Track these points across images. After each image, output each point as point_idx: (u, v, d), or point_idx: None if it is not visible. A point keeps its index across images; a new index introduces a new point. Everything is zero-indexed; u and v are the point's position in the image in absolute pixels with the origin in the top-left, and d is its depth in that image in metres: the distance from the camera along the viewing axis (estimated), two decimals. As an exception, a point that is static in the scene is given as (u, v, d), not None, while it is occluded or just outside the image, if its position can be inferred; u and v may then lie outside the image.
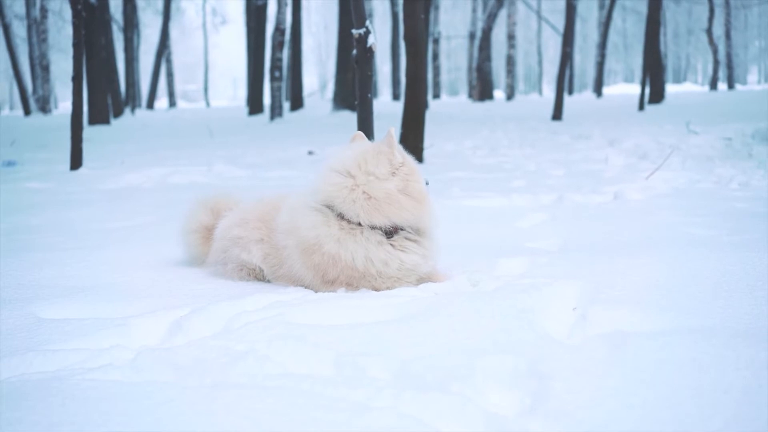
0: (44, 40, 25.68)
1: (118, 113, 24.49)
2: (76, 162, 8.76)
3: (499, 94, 38.83)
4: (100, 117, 19.40)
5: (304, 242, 2.95)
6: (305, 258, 2.96)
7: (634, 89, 35.44)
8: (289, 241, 3.02)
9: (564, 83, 18.28)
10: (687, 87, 46.03)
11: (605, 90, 38.92)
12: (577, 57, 52.77)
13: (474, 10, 33.27)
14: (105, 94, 20.39)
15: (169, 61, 36.70)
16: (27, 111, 24.92)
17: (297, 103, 24.48)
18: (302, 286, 3.03)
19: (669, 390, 1.74)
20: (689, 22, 51.59)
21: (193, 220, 3.65)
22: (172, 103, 38.34)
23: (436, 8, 30.23)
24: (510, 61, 31.99)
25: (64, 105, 44.57)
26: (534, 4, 40.47)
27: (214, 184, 7.32)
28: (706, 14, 33.21)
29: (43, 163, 10.01)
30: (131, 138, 15.31)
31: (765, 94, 22.74)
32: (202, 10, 46.54)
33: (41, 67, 25.72)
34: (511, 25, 31.04)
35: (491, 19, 29.61)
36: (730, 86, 35.31)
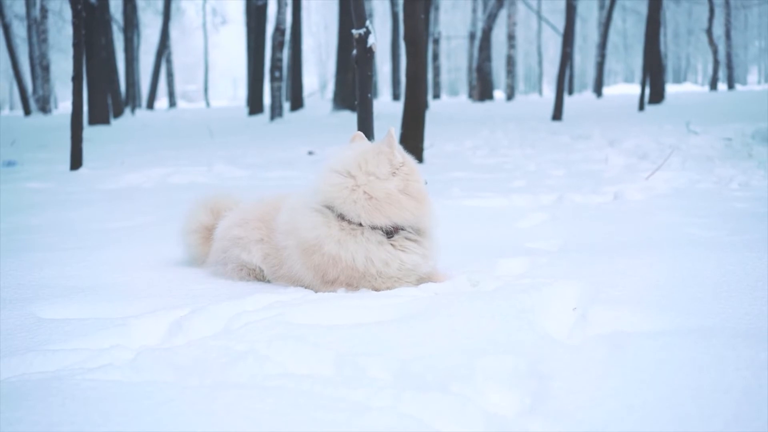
0: (44, 40, 25.69)
1: (118, 113, 24.50)
2: (76, 162, 8.77)
3: (499, 94, 38.83)
4: (100, 117, 19.41)
5: (304, 243, 2.95)
6: (305, 258, 2.96)
7: (634, 89, 35.45)
8: (289, 242, 3.02)
9: (564, 83, 18.28)
10: (687, 87, 46.02)
11: (605, 90, 38.93)
12: (577, 57, 52.79)
13: (474, 11, 33.28)
14: (105, 94, 20.39)
15: (169, 61, 36.70)
16: (27, 111, 24.93)
17: (297, 103, 24.48)
18: (302, 286, 3.03)
19: (669, 390, 1.74)
20: (689, 22, 51.60)
21: (193, 220, 3.65)
22: (172, 103, 38.34)
23: (436, 8, 30.23)
24: (510, 62, 31.99)
25: (64, 105, 44.58)
26: (534, 4, 40.48)
27: (214, 184, 7.32)
28: (706, 14, 33.23)
29: (43, 163, 10.01)
30: (131, 138, 15.31)
31: (765, 95, 22.74)
32: (202, 10, 46.55)
33: (41, 67, 25.72)
34: (511, 25, 31.04)
35: (491, 19, 29.61)
36: (730, 86, 35.32)
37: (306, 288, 3.01)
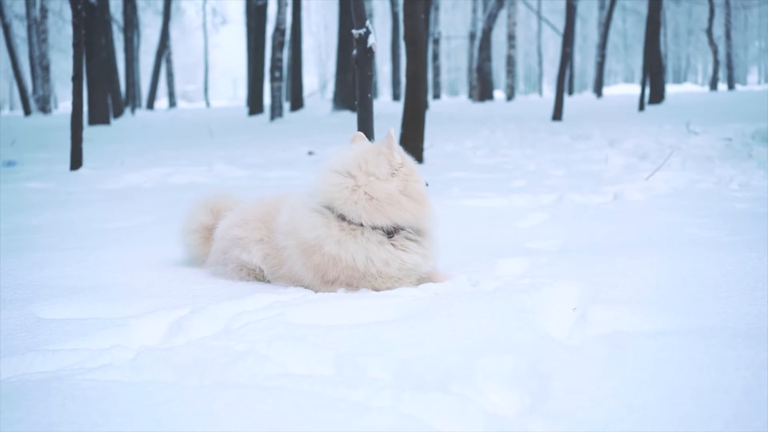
0: (44, 40, 25.68)
1: (118, 113, 24.50)
2: (76, 162, 8.77)
3: (499, 94, 38.83)
4: (100, 117, 19.40)
5: (305, 243, 2.95)
6: (305, 258, 2.96)
7: (634, 89, 35.44)
8: (290, 242, 3.03)
9: (564, 83, 18.27)
10: (687, 87, 46.00)
11: (605, 90, 38.92)
12: (577, 57, 52.78)
13: (474, 11, 33.27)
14: (105, 94, 20.39)
15: (169, 62, 36.70)
16: (27, 111, 24.93)
17: (297, 103, 24.48)
18: (302, 286, 3.03)
19: (669, 390, 1.74)
20: (689, 22, 51.60)
21: (193, 220, 3.65)
22: (172, 103, 38.34)
23: (436, 8, 30.22)
24: (510, 62, 31.99)
25: (64, 105, 44.57)
26: (534, 4, 40.48)
27: (214, 184, 7.32)
28: (706, 14, 33.22)
29: (43, 163, 10.01)
30: (131, 138, 15.31)
31: (765, 95, 22.74)
32: (202, 10, 46.54)
33: (41, 67, 25.73)
34: (512, 25, 31.04)
35: (491, 19, 29.61)
36: (730, 86, 35.31)
37: (306, 288, 3.01)
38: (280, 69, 19.74)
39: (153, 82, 34.44)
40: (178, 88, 55.12)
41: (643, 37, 21.35)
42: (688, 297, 2.59)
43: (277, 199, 3.33)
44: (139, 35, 34.58)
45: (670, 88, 34.14)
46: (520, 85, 59.08)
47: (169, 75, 37.62)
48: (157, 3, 39.88)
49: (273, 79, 19.66)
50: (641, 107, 19.35)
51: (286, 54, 26.22)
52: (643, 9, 31.94)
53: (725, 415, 1.62)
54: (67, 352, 2.19)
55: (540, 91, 48.16)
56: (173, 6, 38.73)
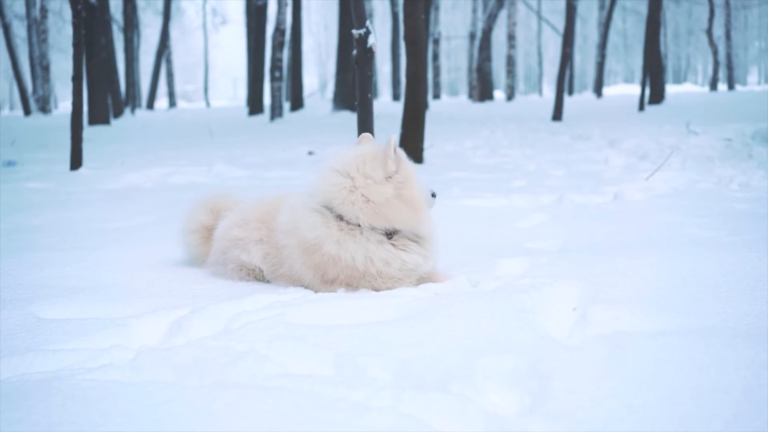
0: (44, 40, 25.68)
1: (118, 113, 24.50)
2: (76, 162, 8.77)
3: (499, 94, 38.82)
4: (100, 117, 19.41)
5: (305, 242, 2.95)
6: (305, 258, 2.96)
7: (634, 90, 35.44)
8: (290, 241, 3.03)
9: (564, 84, 18.27)
10: (687, 87, 45.99)
11: (605, 90, 38.92)
12: (577, 57, 52.78)
13: (474, 11, 33.27)
14: (105, 94, 20.39)
15: (169, 62, 36.70)
16: (27, 111, 24.93)
17: (297, 103, 24.48)
18: (302, 285, 3.03)
19: (669, 390, 1.74)
20: (689, 22, 51.59)
21: (193, 220, 3.65)
22: (172, 103, 38.35)
23: (436, 8, 30.22)
24: (510, 62, 31.99)
25: (64, 105, 44.56)
26: (534, 4, 40.48)
27: (214, 184, 7.32)
28: (706, 15, 33.22)
29: (43, 163, 10.01)
30: (131, 138, 15.31)
31: (765, 95, 22.75)
32: (202, 10, 46.54)
33: (41, 67, 25.72)
34: (512, 25, 31.04)
35: (491, 19, 29.61)
36: (730, 87, 35.31)
37: (306, 288, 3.01)
38: (280, 69, 19.75)
39: (153, 82, 34.44)
40: (178, 88, 55.11)
41: (643, 37, 21.35)
42: (688, 297, 2.59)
43: (276, 199, 3.33)
44: (139, 35, 34.58)
45: (670, 89, 34.13)
46: (520, 85, 59.08)
47: (169, 75, 37.62)
48: (157, 3, 39.87)
49: (273, 79, 19.66)
50: (641, 107, 19.35)
51: (286, 54, 26.23)
52: (643, 9, 31.94)
53: (725, 415, 1.62)
54: (67, 352, 2.19)
55: (540, 91, 48.16)
56: (173, 6, 38.73)
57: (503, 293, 2.58)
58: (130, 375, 1.99)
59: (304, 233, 2.95)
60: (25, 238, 4.59)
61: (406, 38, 9.18)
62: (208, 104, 45.29)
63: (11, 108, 46.28)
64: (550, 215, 5.03)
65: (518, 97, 38.05)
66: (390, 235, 2.91)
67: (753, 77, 59.62)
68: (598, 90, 31.71)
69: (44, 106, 25.57)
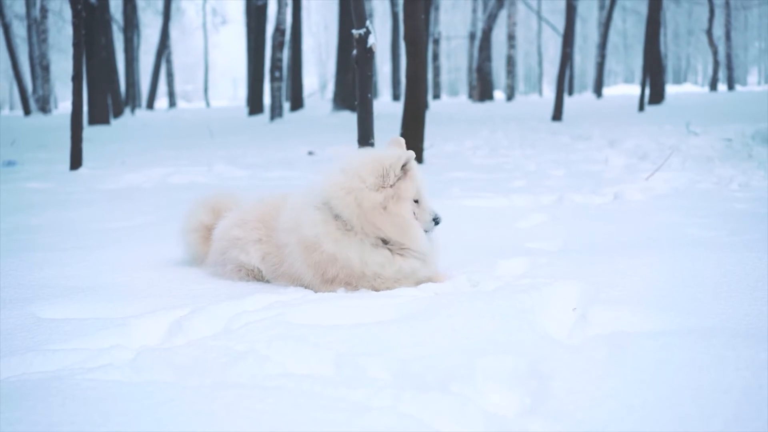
0: (44, 40, 25.68)
1: (118, 113, 24.50)
2: (76, 162, 8.77)
3: (499, 94, 38.81)
4: (100, 117, 19.41)
5: (305, 240, 2.95)
6: (305, 256, 2.96)
7: (634, 90, 35.43)
8: (291, 239, 3.02)
9: (564, 84, 18.27)
10: (687, 88, 45.99)
11: (605, 90, 38.92)
12: (577, 57, 52.77)
13: (474, 11, 33.27)
14: (105, 94, 20.40)
15: (169, 62, 36.70)
16: (27, 111, 24.93)
17: (297, 103, 24.48)
18: (302, 285, 3.03)
19: (669, 390, 1.74)
20: (689, 22, 51.58)
21: (194, 219, 3.65)
22: (172, 103, 38.35)
23: (436, 8, 30.21)
24: (510, 62, 31.99)
25: (64, 105, 44.55)
26: (534, 4, 40.48)
27: (214, 184, 7.32)
28: (706, 15, 33.22)
29: (43, 163, 10.01)
30: (131, 138, 15.31)
31: (765, 95, 22.75)
32: (202, 10, 46.55)
33: (41, 67, 25.72)
34: (512, 25, 31.04)
35: (491, 19, 29.61)
36: (730, 87, 35.31)
37: (306, 287, 3.01)
38: (280, 69, 19.75)
39: (153, 82, 34.44)
40: (178, 88, 55.10)
41: (643, 38, 21.35)
42: (688, 297, 2.59)
43: (276, 199, 3.33)
44: (139, 35, 34.58)
45: (670, 89, 34.14)
46: (520, 85, 59.07)
47: (169, 75, 37.62)
48: (157, 3, 39.87)
49: (273, 79, 19.66)
50: (641, 107, 19.35)
51: (286, 54, 26.22)
52: (643, 9, 31.94)
53: (725, 415, 1.62)
54: (67, 352, 2.19)
55: (540, 92, 48.14)
56: (173, 6, 38.73)
57: (503, 293, 2.58)
58: (130, 375, 1.99)
59: (304, 231, 2.95)
60: (25, 238, 4.59)
61: (406, 38, 9.18)
62: (208, 104, 45.29)
63: (11, 108, 46.27)
64: (550, 215, 5.03)
65: (518, 97, 38.05)
66: (385, 240, 2.90)
67: (753, 77, 59.62)
68: (598, 90, 31.72)
69: (44, 106, 25.57)
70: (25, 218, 5.45)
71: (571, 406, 1.71)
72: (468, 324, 2.28)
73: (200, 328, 2.46)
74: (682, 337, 2.07)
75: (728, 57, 35.88)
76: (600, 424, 1.62)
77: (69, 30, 26.18)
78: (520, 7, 40.98)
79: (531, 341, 2.13)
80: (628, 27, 54.77)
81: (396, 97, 31.82)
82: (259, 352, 2.09)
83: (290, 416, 1.66)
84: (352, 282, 2.91)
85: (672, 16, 47.83)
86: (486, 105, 27.21)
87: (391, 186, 2.87)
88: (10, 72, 30.25)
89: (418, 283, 2.97)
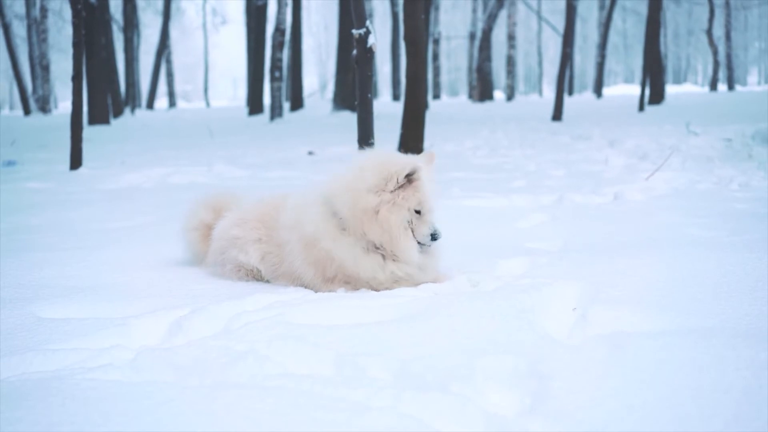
0: (44, 40, 25.66)
1: (118, 113, 24.49)
2: (76, 162, 8.77)
3: (499, 94, 38.80)
4: (100, 117, 19.40)
5: (305, 237, 2.94)
6: (306, 253, 2.95)
7: (634, 90, 35.42)
8: (292, 236, 3.02)
9: (564, 84, 18.27)
10: (687, 88, 45.97)
11: (605, 91, 38.90)
12: (577, 57, 52.76)
13: (474, 11, 33.26)
14: (105, 94, 20.39)
15: (169, 61, 36.68)
16: (27, 111, 24.92)
17: (297, 103, 24.47)
18: (302, 285, 3.03)
19: (669, 390, 1.75)
20: (689, 22, 51.56)
21: (194, 217, 3.65)
22: (172, 103, 38.33)
23: (436, 8, 30.21)
24: (510, 62, 31.98)
25: (64, 105, 44.54)
26: (534, 4, 40.47)
27: (214, 184, 7.32)
28: (706, 15, 33.21)
29: (43, 163, 10.01)
30: (131, 138, 15.30)
31: (765, 95, 22.74)
32: (202, 10, 46.52)
33: (41, 67, 25.71)
34: (512, 25, 31.03)
35: (491, 19, 29.60)
36: (730, 87, 35.30)
37: (306, 287, 3.01)
38: (280, 69, 19.74)
39: (153, 82, 34.43)
40: (178, 88, 55.08)
41: (643, 38, 21.34)
42: (688, 297, 2.59)
43: (276, 198, 3.33)
44: (139, 35, 34.57)
45: (670, 89, 34.13)
46: (520, 86, 59.05)
47: (169, 75, 37.61)
48: (157, 3, 39.86)
49: (273, 79, 19.65)
50: (641, 108, 19.34)
51: (286, 54, 26.21)
52: (643, 9, 31.93)
53: (725, 415, 1.62)
54: (67, 352, 2.19)
55: (540, 92, 48.12)
56: (173, 6, 38.73)
57: (503, 293, 2.58)
58: (130, 375, 1.99)
59: (305, 226, 2.94)
60: (25, 238, 4.59)
61: (406, 38, 9.17)
62: (208, 104, 45.28)
63: (11, 108, 46.26)
64: (550, 215, 5.03)
65: (518, 97, 38.05)
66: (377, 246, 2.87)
67: (753, 77, 59.60)
68: (598, 90, 31.71)
69: (44, 106, 25.56)
70: (25, 218, 5.45)
71: (571, 406, 1.71)
72: (468, 324, 2.28)
73: (200, 328, 2.46)
74: (682, 337, 2.07)
75: (728, 57, 35.87)
76: (600, 424, 1.62)
77: (69, 30, 26.16)
78: (520, 7, 40.97)
79: (531, 341, 2.13)
80: (628, 27, 54.75)
81: (396, 97, 31.81)
82: (259, 352, 2.09)
83: (290, 416, 1.66)
84: (351, 281, 2.91)
85: (672, 16, 47.82)
86: (486, 105, 27.21)
87: (390, 192, 2.84)
88: (10, 72, 30.23)
89: (417, 283, 2.97)
